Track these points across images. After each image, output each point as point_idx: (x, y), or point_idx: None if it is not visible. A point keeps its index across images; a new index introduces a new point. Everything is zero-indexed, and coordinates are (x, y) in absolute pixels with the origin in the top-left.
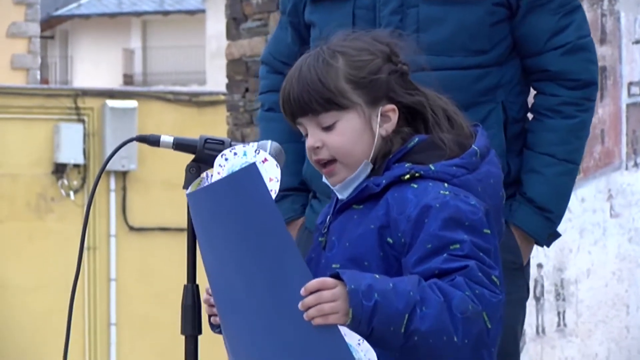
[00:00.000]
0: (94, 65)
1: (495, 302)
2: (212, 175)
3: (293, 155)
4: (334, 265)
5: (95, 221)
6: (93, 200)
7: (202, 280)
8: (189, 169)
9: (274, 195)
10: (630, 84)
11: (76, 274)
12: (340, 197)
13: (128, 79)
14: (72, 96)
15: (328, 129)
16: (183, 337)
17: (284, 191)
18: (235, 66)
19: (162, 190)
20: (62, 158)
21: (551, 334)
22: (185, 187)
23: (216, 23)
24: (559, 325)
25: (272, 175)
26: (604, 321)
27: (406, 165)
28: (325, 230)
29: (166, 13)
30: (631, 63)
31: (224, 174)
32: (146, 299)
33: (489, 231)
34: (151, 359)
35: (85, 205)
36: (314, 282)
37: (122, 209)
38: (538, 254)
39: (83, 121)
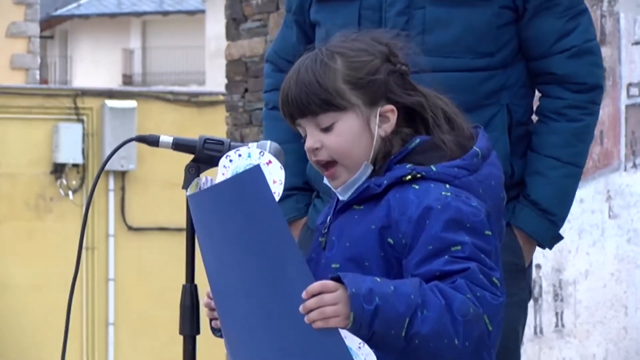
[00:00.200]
0: (94, 65)
1: (496, 305)
2: (210, 180)
3: (297, 154)
4: (333, 265)
5: (94, 221)
6: (92, 200)
7: (201, 280)
8: (188, 169)
9: (277, 198)
10: (630, 85)
11: (75, 273)
12: (341, 198)
13: (127, 79)
14: (71, 96)
15: (327, 130)
16: (181, 337)
17: (288, 190)
18: (235, 67)
19: (161, 190)
20: (61, 158)
21: (549, 334)
22: (185, 187)
23: (216, 23)
24: (557, 325)
25: (275, 178)
26: (602, 322)
27: (407, 166)
28: (326, 230)
29: (166, 13)
30: (630, 64)
31: (228, 175)
32: (144, 298)
33: (490, 233)
34: (149, 358)
35: (84, 205)
36: (316, 285)
37: (120, 208)
38: (536, 255)
39: (82, 121)
